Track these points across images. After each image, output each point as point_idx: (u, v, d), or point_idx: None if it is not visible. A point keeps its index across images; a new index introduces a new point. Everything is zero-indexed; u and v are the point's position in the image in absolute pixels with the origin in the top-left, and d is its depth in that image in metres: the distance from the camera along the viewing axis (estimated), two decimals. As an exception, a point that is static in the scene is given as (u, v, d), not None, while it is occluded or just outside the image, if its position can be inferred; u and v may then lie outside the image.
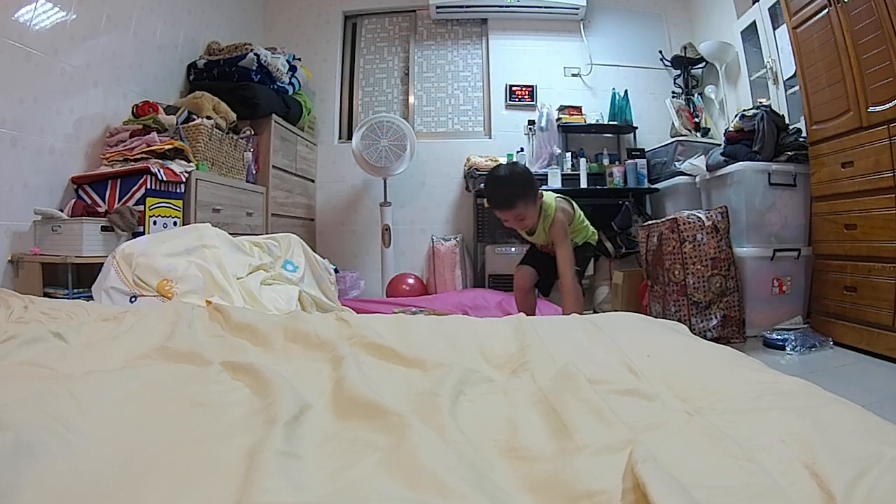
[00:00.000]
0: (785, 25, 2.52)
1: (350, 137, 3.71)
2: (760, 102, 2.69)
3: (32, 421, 0.54)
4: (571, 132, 3.67)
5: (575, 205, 2.13)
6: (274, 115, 3.09)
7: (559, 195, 2.08)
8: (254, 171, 3.01)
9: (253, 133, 3.04)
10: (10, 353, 0.84)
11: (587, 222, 2.17)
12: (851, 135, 2.11)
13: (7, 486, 0.43)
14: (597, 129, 3.71)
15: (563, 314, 1.75)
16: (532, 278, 2.17)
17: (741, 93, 3.33)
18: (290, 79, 3.36)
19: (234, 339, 1.02)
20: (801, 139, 2.47)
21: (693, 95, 3.61)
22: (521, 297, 2.22)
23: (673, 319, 2.13)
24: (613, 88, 3.71)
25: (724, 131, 2.95)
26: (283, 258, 2.12)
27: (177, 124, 2.42)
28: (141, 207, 2.11)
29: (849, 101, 2.10)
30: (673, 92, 3.71)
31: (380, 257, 3.53)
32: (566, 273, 1.91)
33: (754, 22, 3.09)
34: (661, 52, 3.78)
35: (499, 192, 1.82)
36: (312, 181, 3.81)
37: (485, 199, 1.98)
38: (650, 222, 2.67)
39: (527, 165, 3.55)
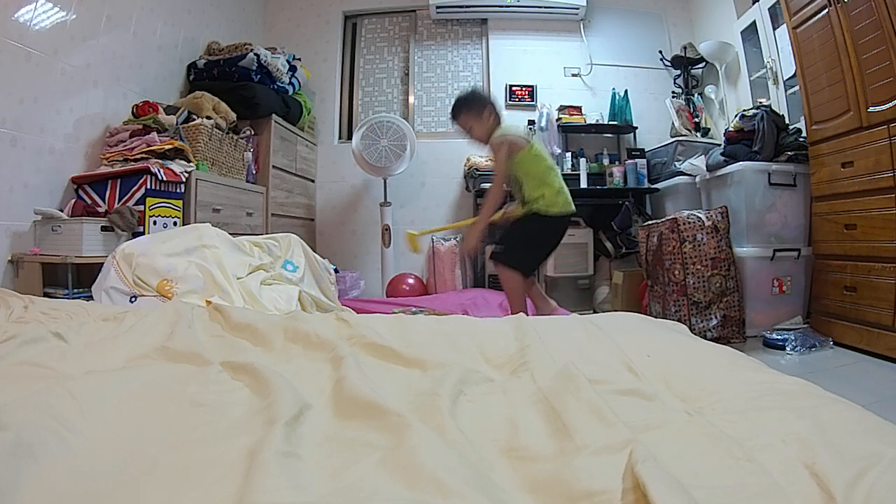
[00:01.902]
0: (785, 25, 2.52)
1: (350, 137, 3.71)
2: (760, 102, 2.70)
3: (32, 421, 0.54)
4: (571, 132, 3.67)
5: (539, 148, 2.09)
6: (274, 115, 3.09)
7: (528, 136, 2.11)
8: (254, 171, 3.01)
9: (253, 133, 3.04)
10: (10, 353, 0.84)
11: (557, 187, 2.07)
12: (851, 135, 2.11)
13: (7, 486, 0.43)
14: (597, 129, 3.70)
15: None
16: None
17: (741, 93, 3.33)
18: (290, 79, 3.36)
19: (234, 339, 1.02)
20: (801, 139, 2.48)
21: (693, 95, 3.61)
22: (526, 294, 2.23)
23: (673, 319, 2.13)
24: (613, 88, 3.71)
25: (724, 131, 2.95)
26: (283, 258, 2.12)
27: (177, 124, 2.42)
28: (141, 207, 2.11)
29: (849, 101, 2.10)
30: (673, 92, 3.71)
31: (380, 257, 3.53)
32: (493, 185, 2.09)
33: (754, 22, 3.09)
34: (661, 52, 3.78)
35: (452, 106, 2.13)
36: (312, 181, 3.81)
37: None
38: (650, 222, 2.67)
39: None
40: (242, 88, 2.94)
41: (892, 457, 0.45)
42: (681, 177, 3.06)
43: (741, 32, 3.23)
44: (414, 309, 2.52)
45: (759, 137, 2.46)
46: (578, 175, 3.43)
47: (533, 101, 3.81)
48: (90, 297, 1.78)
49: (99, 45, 2.37)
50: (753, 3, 3.12)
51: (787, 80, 2.84)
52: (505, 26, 3.95)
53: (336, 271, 2.62)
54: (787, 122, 2.59)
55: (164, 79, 2.88)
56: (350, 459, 0.51)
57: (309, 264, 2.19)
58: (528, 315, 1.28)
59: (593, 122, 3.64)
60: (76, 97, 2.25)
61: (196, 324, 1.08)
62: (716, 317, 2.34)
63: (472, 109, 2.09)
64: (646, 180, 3.36)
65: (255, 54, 3.00)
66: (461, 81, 4.01)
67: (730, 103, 3.46)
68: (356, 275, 3.43)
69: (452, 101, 2.15)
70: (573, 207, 2.13)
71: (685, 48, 3.59)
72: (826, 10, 2.16)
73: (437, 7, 3.79)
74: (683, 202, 3.04)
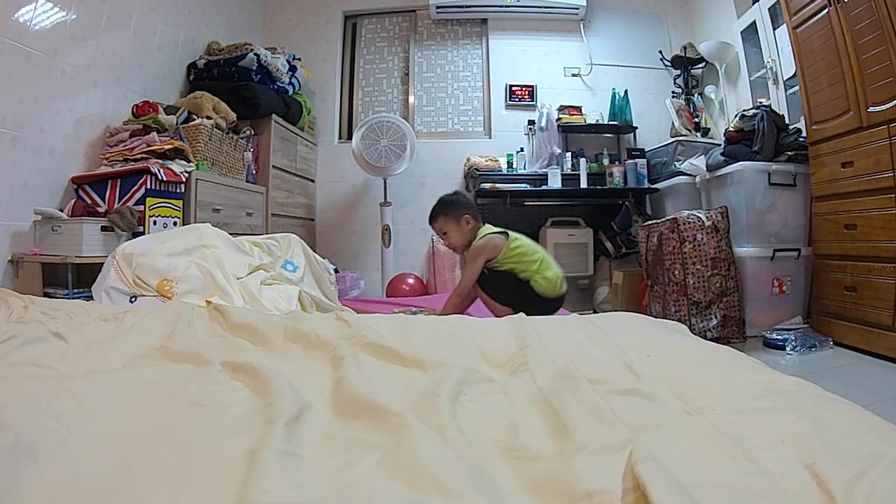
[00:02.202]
0: (785, 25, 2.52)
1: (350, 137, 3.71)
2: (760, 102, 2.70)
3: (32, 421, 0.54)
4: (571, 132, 3.67)
5: (521, 243, 1.98)
6: (274, 115, 3.09)
7: (505, 233, 1.99)
8: (254, 171, 3.01)
9: (253, 133, 3.04)
10: (10, 353, 0.84)
11: (544, 275, 1.92)
12: (851, 135, 2.11)
13: (7, 486, 0.43)
14: (597, 129, 3.71)
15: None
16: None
17: (741, 93, 3.33)
18: (290, 79, 3.36)
19: (234, 339, 1.02)
20: (801, 139, 2.48)
21: (693, 95, 3.61)
22: None
23: (673, 319, 2.13)
24: (613, 88, 3.71)
25: (724, 131, 2.96)
26: (283, 258, 2.12)
27: (177, 124, 2.42)
28: (141, 207, 2.11)
29: (849, 101, 2.10)
30: (673, 92, 3.71)
31: (380, 257, 3.53)
32: (458, 286, 2.05)
33: (754, 22, 3.09)
34: (661, 52, 3.78)
35: (435, 206, 2.13)
36: (312, 181, 3.81)
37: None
38: (650, 222, 2.67)
39: (525, 166, 3.57)
40: (242, 88, 2.94)
41: (892, 457, 0.45)
42: (681, 177, 3.06)
43: (741, 32, 3.23)
44: (414, 309, 2.52)
45: (759, 137, 2.46)
46: (578, 175, 3.43)
47: (533, 101, 3.81)
48: (90, 297, 1.78)
49: (99, 45, 2.37)
50: (753, 3, 3.12)
51: (787, 80, 2.84)
52: (505, 26, 3.95)
53: (336, 271, 2.62)
54: (787, 122, 2.60)
55: (164, 79, 2.88)
56: (350, 459, 0.51)
57: (309, 264, 2.19)
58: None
59: (593, 122, 3.64)
60: (76, 97, 2.25)
61: (196, 324, 1.08)
62: (716, 317, 2.34)
63: (449, 215, 2.04)
64: (646, 180, 3.36)
65: (255, 54, 3.00)
66: (461, 81, 4.02)
67: (730, 103, 3.46)
68: (356, 275, 3.44)
69: (434, 204, 2.11)
70: (564, 288, 1.99)
71: (685, 48, 3.59)
72: (826, 10, 2.16)
73: (437, 7, 3.79)
74: (683, 202, 3.04)
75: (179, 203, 2.28)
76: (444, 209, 2.07)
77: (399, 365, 0.83)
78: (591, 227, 3.38)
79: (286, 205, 3.33)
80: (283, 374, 0.71)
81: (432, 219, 2.11)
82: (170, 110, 2.46)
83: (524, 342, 0.91)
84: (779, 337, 2.20)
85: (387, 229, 3.45)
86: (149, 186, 2.13)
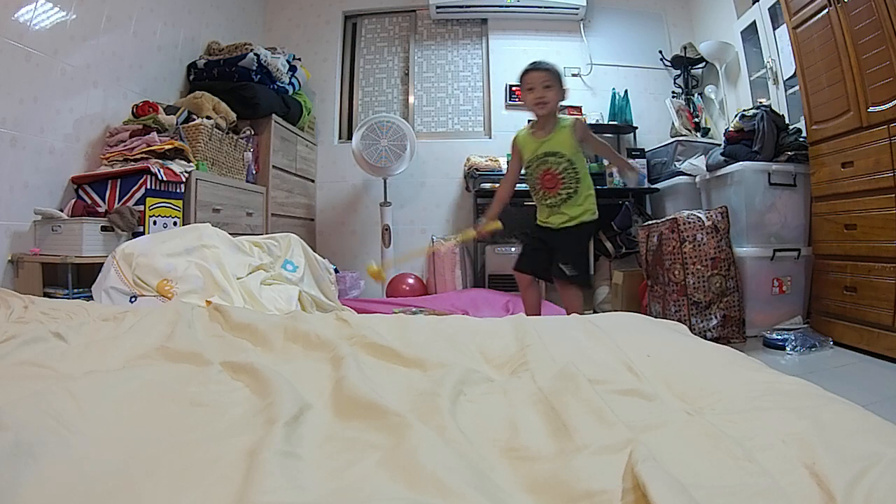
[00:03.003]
0: (785, 25, 2.52)
1: (350, 137, 3.71)
2: (760, 102, 2.69)
3: (32, 421, 0.54)
4: (571, 132, 3.66)
5: None
6: (274, 115, 3.09)
7: None
8: (254, 171, 3.01)
9: (253, 133, 3.04)
10: (10, 353, 0.84)
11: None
12: (851, 135, 2.10)
13: (7, 486, 0.43)
14: (597, 129, 3.69)
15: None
16: (531, 278, 2.23)
17: (741, 93, 3.33)
18: (290, 79, 3.36)
19: (234, 339, 1.02)
20: (801, 139, 2.47)
21: (693, 95, 3.61)
22: (525, 294, 2.25)
23: (673, 319, 2.13)
24: (613, 88, 3.71)
25: (724, 131, 2.95)
26: (282, 258, 2.12)
27: (177, 124, 2.42)
28: (141, 207, 2.11)
29: (849, 101, 2.10)
30: (673, 92, 3.71)
31: (380, 257, 3.53)
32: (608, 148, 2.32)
33: (754, 22, 3.09)
34: (661, 52, 3.78)
35: (541, 61, 2.22)
36: (312, 181, 3.81)
37: (521, 75, 2.25)
38: (650, 222, 2.67)
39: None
40: (242, 88, 2.94)
41: (892, 457, 0.45)
42: (681, 177, 3.06)
43: (741, 32, 3.23)
44: (414, 309, 2.52)
45: (759, 137, 2.46)
46: (578, 175, 3.43)
47: (533, 101, 3.80)
48: (90, 297, 1.78)
49: (99, 45, 2.37)
50: (753, 3, 3.12)
51: (787, 80, 2.84)
52: (505, 26, 3.95)
53: (336, 271, 2.62)
54: (787, 122, 2.59)
55: (164, 79, 2.88)
56: (350, 459, 0.51)
57: (309, 264, 2.19)
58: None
59: (593, 122, 3.64)
60: (76, 97, 2.25)
61: (196, 324, 1.08)
62: (716, 317, 2.34)
63: (559, 77, 2.20)
64: (646, 180, 3.36)
65: (255, 54, 3.00)
66: (461, 81, 4.01)
67: (730, 103, 3.46)
68: (356, 275, 3.43)
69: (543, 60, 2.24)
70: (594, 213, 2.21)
71: (685, 48, 3.59)
72: (826, 10, 2.16)
73: (437, 7, 3.79)
74: (683, 202, 3.04)
75: (179, 203, 2.28)
76: (557, 71, 2.21)
77: (399, 365, 0.83)
78: (591, 226, 3.38)
79: (286, 205, 3.33)
80: (283, 374, 0.71)
81: (544, 68, 2.17)
82: (170, 110, 2.46)
83: (524, 342, 0.91)
84: (779, 337, 2.20)
85: (387, 229, 3.45)
86: (149, 186, 2.13)
